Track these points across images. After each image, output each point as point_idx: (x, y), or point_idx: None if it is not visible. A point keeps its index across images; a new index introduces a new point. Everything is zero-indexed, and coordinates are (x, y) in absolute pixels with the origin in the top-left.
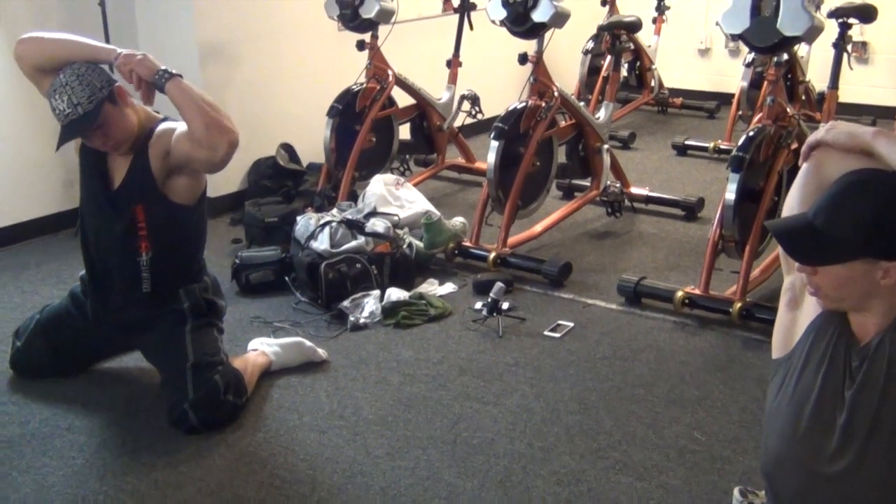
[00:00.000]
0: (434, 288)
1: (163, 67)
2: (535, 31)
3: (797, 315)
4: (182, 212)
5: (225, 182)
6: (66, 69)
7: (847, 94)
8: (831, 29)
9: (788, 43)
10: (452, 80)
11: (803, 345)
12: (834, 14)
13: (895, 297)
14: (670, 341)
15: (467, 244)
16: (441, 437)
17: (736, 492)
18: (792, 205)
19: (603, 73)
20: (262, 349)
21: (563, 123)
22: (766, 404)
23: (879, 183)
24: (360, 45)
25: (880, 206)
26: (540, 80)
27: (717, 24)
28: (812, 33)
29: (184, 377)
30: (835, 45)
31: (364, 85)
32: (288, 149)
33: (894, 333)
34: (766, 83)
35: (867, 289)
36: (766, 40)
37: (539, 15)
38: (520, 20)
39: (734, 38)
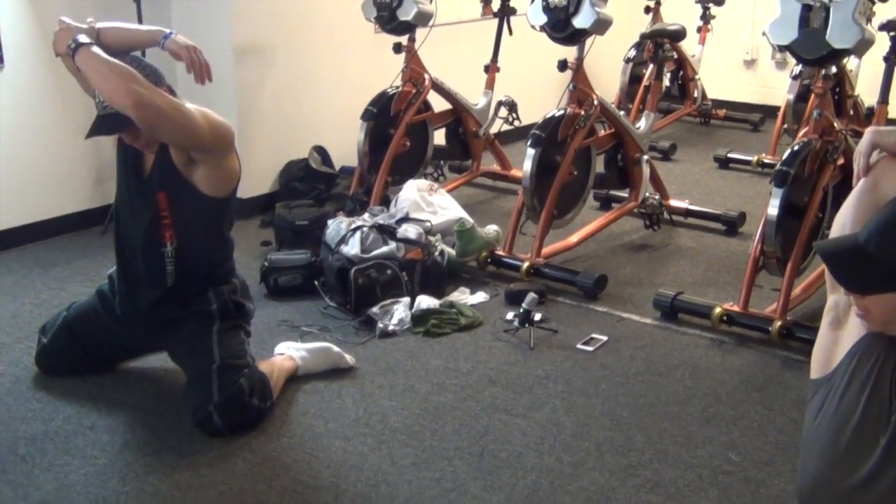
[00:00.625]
0: (465, 297)
1: (76, 38)
2: (575, 37)
3: (840, 335)
4: (207, 203)
5: (256, 184)
6: None
7: None
8: (882, 42)
9: (837, 55)
10: (490, 85)
11: (846, 366)
12: (885, 27)
13: None
14: (706, 358)
15: (500, 253)
16: (468, 448)
17: None
18: (844, 223)
19: (644, 82)
20: (288, 353)
21: (602, 132)
22: (805, 425)
23: None
24: (397, 48)
25: None
26: (579, 88)
27: (764, 34)
28: (862, 46)
29: (209, 379)
30: (885, 59)
31: (400, 88)
32: (321, 151)
33: None
34: (813, 96)
35: None
36: (814, 52)
37: (580, 21)
38: (560, 26)
39: (781, 49)
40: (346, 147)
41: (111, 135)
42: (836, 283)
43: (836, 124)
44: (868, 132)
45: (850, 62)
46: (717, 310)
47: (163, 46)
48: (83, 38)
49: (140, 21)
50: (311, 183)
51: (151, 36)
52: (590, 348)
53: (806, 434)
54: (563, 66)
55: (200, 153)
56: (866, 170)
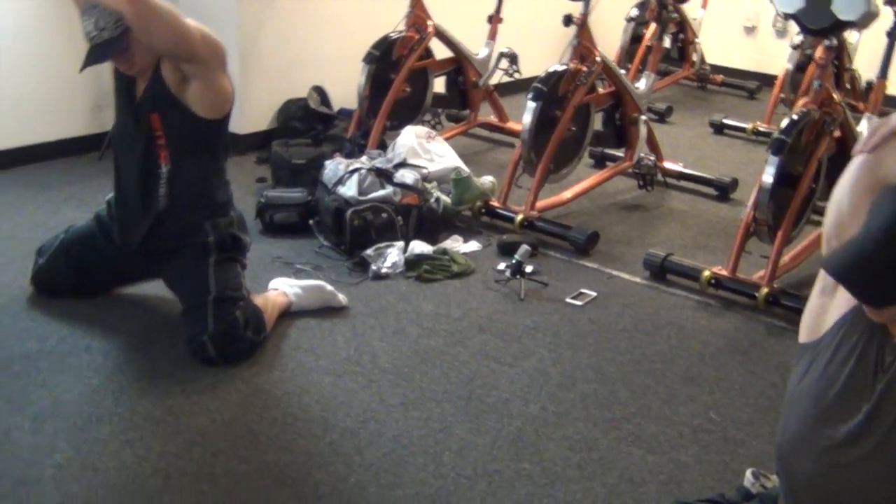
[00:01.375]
0: (458, 245)
1: None
2: None
3: (829, 302)
4: (201, 124)
5: (254, 120)
6: None
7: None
8: (887, 16)
9: (842, 27)
10: (492, 36)
11: (834, 335)
12: (891, 1)
13: None
14: (693, 320)
15: (495, 204)
16: (456, 392)
17: (748, 473)
18: (840, 200)
19: (646, 41)
20: (283, 289)
21: (602, 90)
22: (788, 388)
23: None
24: None
25: None
26: (583, 44)
27: (770, 0)
28: (867, 19)
29: (205, 309)
30: (889, 34)
31: (403, 33)
32: (320, 92)
33: None
34: (814, 67)
35: None
36: (819, 22)
37: None
38: None
39: (786, 16)
40: (345, 89)
41: (103, 62)
42: (827, 247)
43: (835, 96)
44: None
45: (851, 35)
46: (706, 273)
47: None
48: None
49: None
50: (308, 123)
51: None
52: (579, 303)
53: (789, 395)
54: (567, 20)
55: (193, 64)
56: (871, 147)
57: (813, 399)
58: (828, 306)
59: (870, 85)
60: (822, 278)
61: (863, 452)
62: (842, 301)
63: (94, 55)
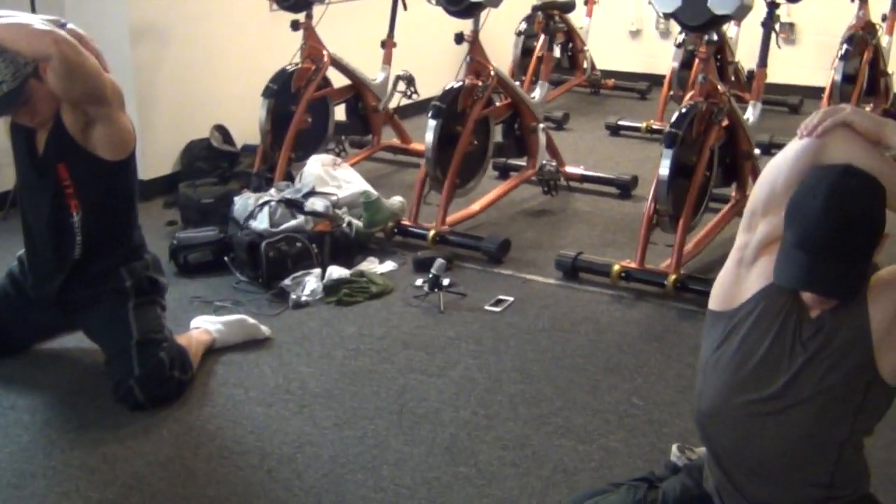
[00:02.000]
0: (374, 266)
1: None
2: (471, 10)
3: (744, 274)
4: (108, 167)
5: (157, 164)
6: None
7: (775, 75)
8: (760, 9)
9: (719, 21)
10: (387, 60)
11: (752, 307)
12: None
13: None
14: (608, 313)
15: (406, 223)
16: (387, 407)
17: (674, 448)
18: (775, 177)
19: (537, 53)
20: (204, 327)
21: (499, 103)
22: (702, 354)
23: (857, 192)
24: (295, 26)
25: (871, 214)
26: (476, 60)
27: (650, 2)
28: (741, 12)
29: (129, 354)
30: (763, 25)
31: (299, 65)
32: (222, 130)
33: (839, 307)
34: (697, 62)
35: None
36: (697, 18)
37: None
38: None
39: (666, 16)
40: (247, 125)
41: (6, 115)
42: (752, 224)
43: (720, 87)
44: (849, 107)
45: (730, 30)
46: (616, 267)
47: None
48: None
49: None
50: (213, 162)
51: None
52: (497, 309)
53: (704, 362)
54: (459, 38)
55: (100, 106)
56: (820, 132)
57: (731, 369)
58: (744, 278)
59: (751, 74)
60: (739, 250)
61: (778, 419)
62: (760, 274)
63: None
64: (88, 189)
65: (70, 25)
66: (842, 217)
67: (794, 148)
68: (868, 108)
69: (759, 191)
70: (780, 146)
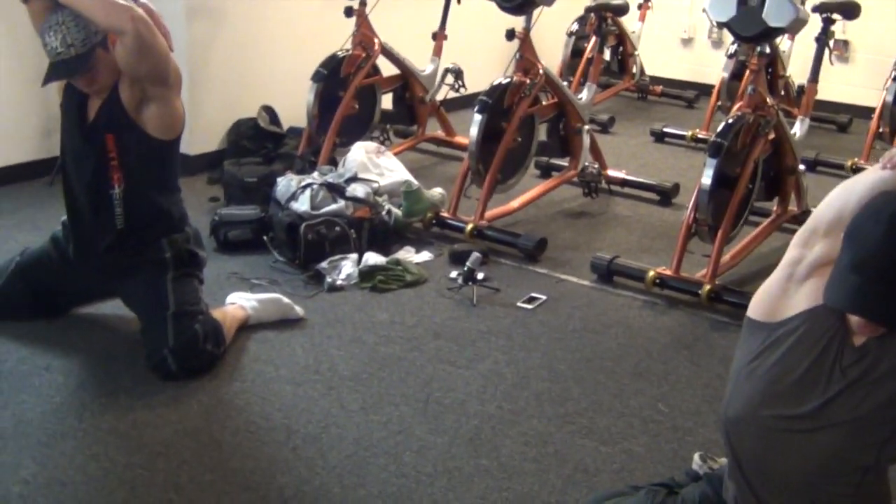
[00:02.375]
0: (411, 255)
1: None
2: (524, 7)
3: (794, 290)
4: (155, 145)
5: (204, 140)
6: (65, 8)
7: (826, 92)
8: (815, 24)
9: (773, 33)
10: (437, 52)
11: (797, 325)
12: (818, 8)
13: None
14: (639, 318)
15: (445, 215)
16: (414, 395)
17: (696, 457)
18: (845, 200)
19: (587, 54)
20: (239, 303)
21: (545, 102)
22: (736, 361)
23: None
24: (349, 12)
25: None
26: (526, 57)
27: (704, 10)
28: (796, 25)
29: (164, 325)
30: (817, 40)
31: (350, 52)
32: (269, 111)
33: (886, 337)
34: (747, 73)
35: None
36: (750, 29)
37: None
38: None
39: (720, 25)
40: (294, 107)
41: (68, 79)
42: (810, 239)
43: (768, 100)
44: None
45: (784, 44)
46: (651, 273)
47: None
48: None
49: None
50: (259, 141)
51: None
52: (530, 306)
53: (737, 369)
54: (510, 35)
55: (160, 86)
56: None
57: (766, 381)
58: (792, 294)
59: (802, 89)
60: (791, 265)
61: (806, 438)
62: (809, 293)
63: (61, 71)
64: (132, 163)
65: (144, 0)
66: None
67: (872, 178)
68: None
69: (825, 210)
70: (825, 164)
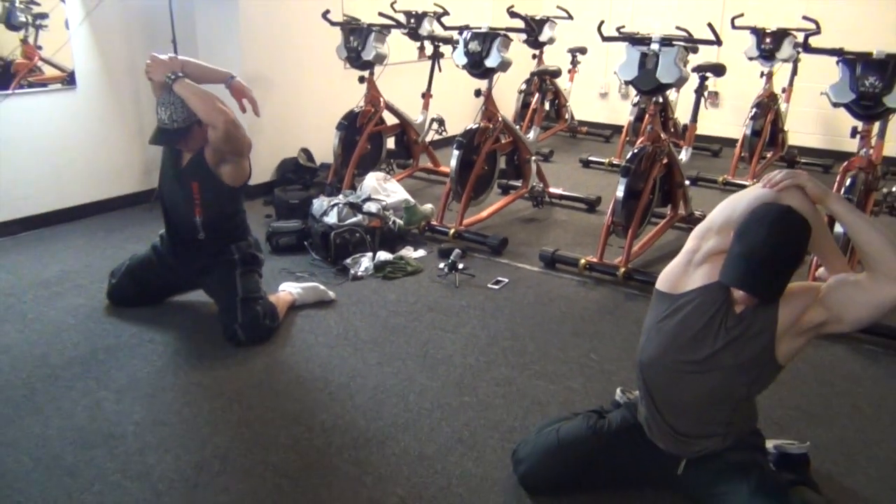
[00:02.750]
0: (411, 252)
1: (171, 73)
2: (486, 73)
3: (692, 271)
4: (227, 189)
5: (260, 175)
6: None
7: (703, 128)
8: (694, 80)
9: (663, 88)
10: (425, 107)
11: (694, 296)
12: (696, 69)
13: None
14: (575, 293)
15: (434, 223)
16: (415, 353)
17: (618, 391)
18: (733, 208)
19: (532, 106)
20: (288, 290)
21: (504, 140)
22: (647, 321)
23: (791, 227)
24: (361, 79)
25: (798, 244)
26: (489, 109)
27: (615, 72)
28: (680, 82)
29: (235, 307)
30: (696, 92)
31: (363, 108)
32: (306, 152)
33: (758, 307)
34: (647, 117)
35: None
36: (648, 85)
37: (490, 62)
38: (476, 65)
39: (626, 83)
40: (324, 149)
41: (169, 145)
42: (709, 236)
43: (662, 135)
44: (805, 175)
45: (672, 94)
46: (582, 261)
47: (228, 85)
48: (177, 73)
49: (175, 47)
50: (299, 174)
51: (221, 76)
52: (497, 287)
53: (648, 327)
54: (478, 93)
55: (235, 156)
56: (779, 188)
57: (671, 336)
58: (691, 273)
59: (685, 127)
60: (690, 252)
61: (697, 377)
62: (704, 274)
63: (165, 138)
64: (210, 202)
65: (238, 79)
66: (777, 244)
67: (755, 193)
68: (769, 156)
69: (718, 214)
70: (704, 179)
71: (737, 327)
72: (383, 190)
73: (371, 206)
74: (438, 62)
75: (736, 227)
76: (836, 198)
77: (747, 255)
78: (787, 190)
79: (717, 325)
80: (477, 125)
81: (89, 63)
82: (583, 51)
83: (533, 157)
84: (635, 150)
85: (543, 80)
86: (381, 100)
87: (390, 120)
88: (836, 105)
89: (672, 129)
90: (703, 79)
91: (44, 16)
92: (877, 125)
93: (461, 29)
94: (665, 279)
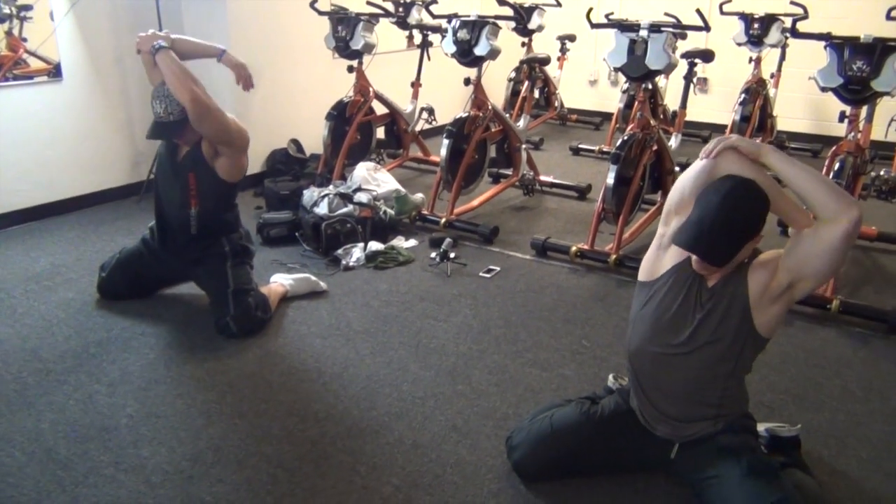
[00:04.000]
0: (402, 242)
1: (159, 42)
2: (475, 62)
3: (662, 255)
4: (222, 185)
5: (251, 166)
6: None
7: (692, 114)
8: (683, 67)
9: (653, 74)
10: (415, 96)
11: (667, 279)
12: (685, 55)
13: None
14: (566, 280)
15: (425, 212)
16: (408, 342)
17: (610, 377)
18: (683, 187)
19: (522, 94)
20: (280, 281)
21: (494, 129)
22: (631, 313)
23: (744, 195)
24: (350, 69)
25: (751, 211)
26: (478, 98)
27: (604, 59)
28: (669, 68)
29: (226, 298)
30: (685, 78)
31: (352, 98)
32: (296, 143)
33: (729, 279)
34: (636, 104)
35: (745, 254)
36: (637, 72)
37: (479, 50)
38: (465, 53)
39: (615, 70)
40: (314, 139)
41: (166, 139)
42: (668, 220)
43: (651, 122)
44: (735, 136)
45: (661, 81)
46: (573, 248)
47: (220, 59)
48: (164, 43)
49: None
50: (289, 165)
51: (212, 51)
52: (488, 275)
53: (632, 318)
54: (467, 81)
55: (225, 146)
56: (714, 154)
57: (651, 321)
58: (661, 258)
59: (675, 114)
60: (658, 238)
61: (683, 359)
62: (673, 255)
63: (161, 132)
64: (206, 195)
65: (228, 53)
66: (728, 211)
67: (695, 167)
68: (758, 139)
69: (672, 196)
70: None
71: (710, 300)
72: (373, 180)
73: (361, 197)
74: (427, 51)
75: (698, 194)
76: (769, 150)
77: (699, 220)
78: (723, 154)
79: (692, 301)
80: (467, 114)
81: (75, 55)
82: (572, 38)
83: (523, 146)
84: (625, 138)
85: (533, 68)
86: (371, 89)
87: (380, 110)
88: (824, 90)
89: (662, 116)
90: (692, 65)
91: (28, 7)
92: (864, 109)
93: (450, 17)
94: (643, 268)
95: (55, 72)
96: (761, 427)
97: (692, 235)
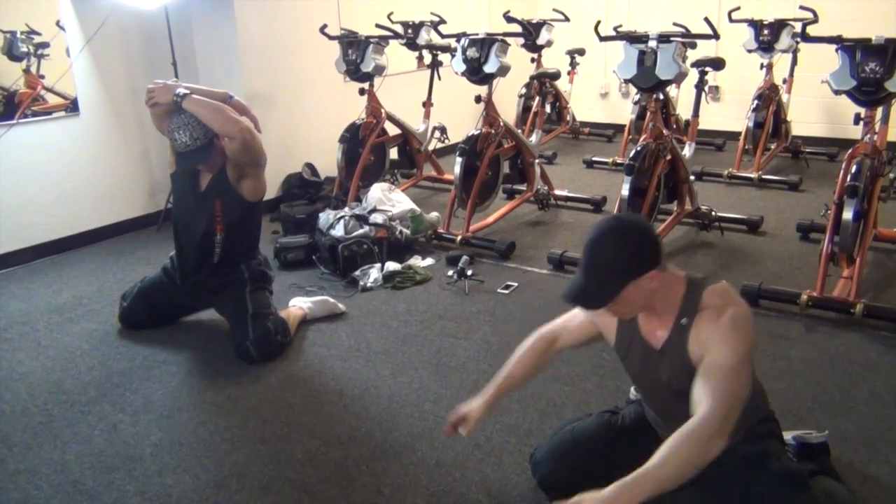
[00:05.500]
0: (419, 261)
1: (177, 91)
2: (486, 79)
3: (597, 319)
4: (247, 206)
5: (267, 190)
6: (185, 111)
7: (705, 123)
8: (694, 76)
9: (664, 84)
10: (427, 116)
11: (619, 344)
12: (695, 64)
13: (668, 292)
14: None
15: (441, 230)
16: (428, 361)
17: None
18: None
19: (534, 109)
20: (298, 304)
21: (506, 145)
22: None
23: (608, 231)
24: (361, 91)
25: (617, 247)
26: (490, 115)
27: (614, 71)
28: (680, 78)
29: (246, 323)
30: (696, 87)
31: (364, 120)
32: (310, 166)
33: (669, 341)
34: (648, 114)
35: (647, 295)
36: (648, 82)
37: (489, 68)
38: (475, 72)
39: (626, 81)
40: (328, 162)
41: (198, 165)
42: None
43: (664, 132)
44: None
45: (672, 91)
46: None
47: (227, 105)
48: (184, 90)
49: (174, 61)
50: (304, 189)
51: (220, 96)
52: (506, 291)
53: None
54: (478, 99)
55: (254, 168)
56: None
57: (637, 385)
58: (603, 321)
59: (688, 122)
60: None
61: (680, 406)
62: (608, 320)
63: (192, 159)
64: (232, 219)
65: (236, 98)
66: (592, 249)
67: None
68: (773, 147)
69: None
70: (709, 174)
71: (662, 362)
72: (388, 200)
73: (377, 217)
74: (437, 70)
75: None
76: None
77: (578, 267)
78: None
79: (650, 365)
80: (479, 131)
81: (91, 89)
82: (581, 52)
83: (536, 160)
84: (638, 148)
85: (543, 83)
86: (383, 111)
87: (392, 130)
88: (837, 93)
89: (674, 126)
90: (703, 73)
91: (45, 45)
92: (880, 110)
93: (458, 36)
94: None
95: (72, 107)
96: (788, 435)
97: (569, 285)
